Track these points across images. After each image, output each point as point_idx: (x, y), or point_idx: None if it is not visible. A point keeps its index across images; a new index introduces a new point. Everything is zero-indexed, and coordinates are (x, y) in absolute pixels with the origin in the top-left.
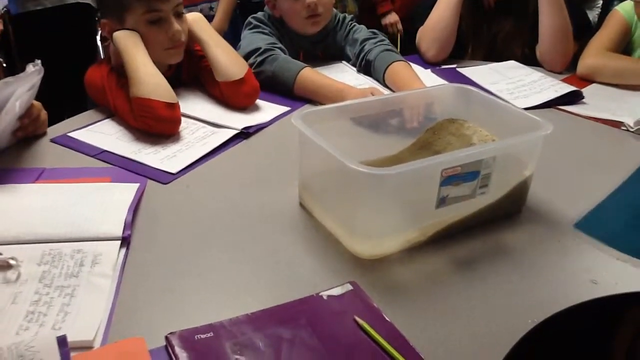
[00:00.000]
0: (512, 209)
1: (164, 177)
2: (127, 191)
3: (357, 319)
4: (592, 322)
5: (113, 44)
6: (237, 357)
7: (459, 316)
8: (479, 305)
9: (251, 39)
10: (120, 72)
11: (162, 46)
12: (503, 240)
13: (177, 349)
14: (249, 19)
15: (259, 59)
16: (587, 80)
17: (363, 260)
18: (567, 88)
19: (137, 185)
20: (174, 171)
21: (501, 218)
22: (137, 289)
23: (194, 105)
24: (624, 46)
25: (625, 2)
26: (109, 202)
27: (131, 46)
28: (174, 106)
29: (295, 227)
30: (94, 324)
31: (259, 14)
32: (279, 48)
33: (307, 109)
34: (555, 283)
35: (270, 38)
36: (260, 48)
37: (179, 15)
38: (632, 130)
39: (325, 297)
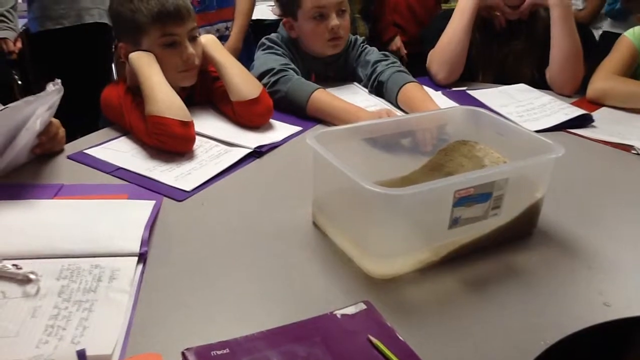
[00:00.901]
0: (523, 230)
1: (178, 195)
2: (143, 208)
3: (371, 337)
4: (605, 344)
5: (129, 65)
6: None
7: (471, 336)
8: (490, 326)
9: (265, 59)
10: (135, 91)
11: (177, 69)
12: (515, 261)
13: None
14: (263, 40)
15: (273, 79)
16: (596, 104)
17: (375, 279)
18: (577, 111)
19: (153, 202)
20: (188, 189)
21: (513, 240)
22: (153, 304)
23: (208, 124)
24: (632, 71)
25: (635, 27)
26: (126, 219)
27: (146, 66)
28: (188, 124)
29: (308, 246)
30: (112, 338)
31: (273, 35)
32: (292, 69)
33: (320, 129)
34: (567, 305)
35: (284, 59)
36: (273, 69)
37: (194, 39)
38: None
39: (339, 316)
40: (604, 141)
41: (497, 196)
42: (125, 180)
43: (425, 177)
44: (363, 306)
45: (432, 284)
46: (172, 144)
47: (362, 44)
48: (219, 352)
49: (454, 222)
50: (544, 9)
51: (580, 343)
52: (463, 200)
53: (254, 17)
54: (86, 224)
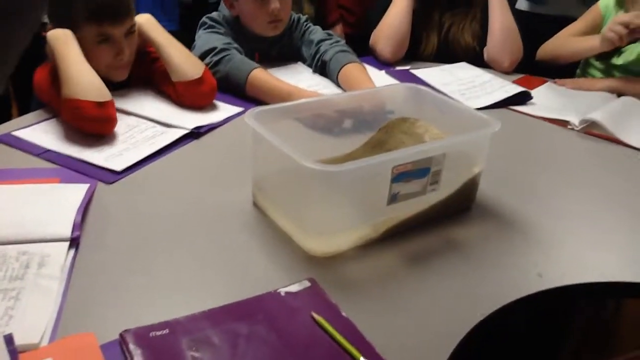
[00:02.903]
0: (462, 205)
1: (108, 176)
2: (76, 192)
3: (314, 314)
4: (539, 313)
5: (47, 44)
6: (193, 353)
7: (412, 310)
8: (430, 300)
9: (206, 38)
10: (56, 72)
11: (107, 66)
12: (453, 236)
13: (132, 346)
14: (204, 18)
15: (215, 58)
16: (537, 81)
17: (317, 257)
18: (517, 89)
19: (87, 185)
20: (118, 169)
21: (452, 215)
22: (87, 290)
23: (145, 105)
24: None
25: None
26: (57, 203)
27: (62, 45)
28: (105, 104)
29: (249, 226)
30: (39, 326)
31: (214, 14)
32: (235, 48)
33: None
34: (503, 277)
35: (226, 38)
36: (216, 47)
37: (131, 33)
38: (577, 129)
39: (283, 294)
40: (542, 117)
41: (435, 171)
42: (56, 164)
43: (366, 154)
44: (307, 283)
45: (373, 260)
46: (90, 127)
47: (305, 23)
48: (158, 333)
49: (393, 198)
50: None
51: (514, 313)
52: (401, 175)
53: None
54: (14, 210)
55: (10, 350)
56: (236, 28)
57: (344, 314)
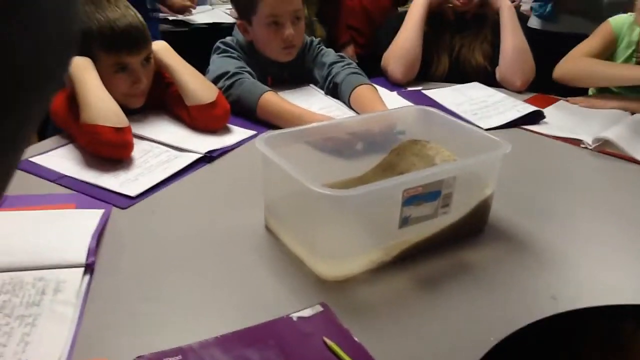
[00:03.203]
0: (474, 227)
1: (123, 202)
2: (91, 217)
3: (326, 339)
4: (553, 337)
5: None
6: None
7: (425, 335)
8: (442, 324)
9: (220, 63)
10: (73, 97)
11: (125, 93)
12: (466, 259)
13: None
14: (218, 43)
15: (228, 82)
16: (549, 100)
17: (329, 282)
18: (529, 108)
19: (102, 211)
20: (133, 194)
21: (464, 237)
22: (101, 316)
23: (159, 129)
24: (606, 57)
25: (620, 15)
26: (72, 229)
27: (80, 71)
28: (123, 130)
29: (261, 250)
30: (55, 352)
31: (228, 39)
32: (247, 72)
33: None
34: (516, 300)
35: (239, 62)
36: (229, 72)
37: (147, 61)
38: (590, 148)
39: (295, 319)
40: (555, 136)
41: (446, 194)
42: (72, 189)
43: (378, 177)
44: (320, 308)
45: (385, 284)
46: (108, 151)
47: (318, 46)
48: (171, 359)
49: (404, 222)
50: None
51: (529, 337)
52: (412, 199)
53: (210, 21)
54: (30, 236)
55: None
56: (249, 52)
57: (356, 338)
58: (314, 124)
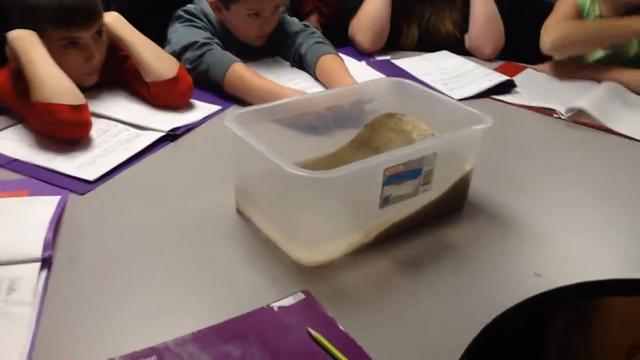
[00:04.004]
0: (454, 204)
1: (80, 187)
2: (46, 205)
3: (311, 330)
4: (539, 315)
5: (9, 45)
6: None
7: (411, 320)
8: (428, 309)
9: (184, 32)
10: (20, 74)
11: (76, 71)
12: (447, 237)
13: None
14: (179, 11)
15: (197, 53)
16: (517, 68)
17: (308, 267)
18: (500, 77)
19: (58, 197)
20: (91, 178)
21: (444, 215)
22: (62, 315)
23: (116, 107)
24: None
25: None
26: (26, 219)
27: (27, 46)
28: (80, 108)
29: (233, 236)
30: (12, 358)
31: (190, 7)
32: (216, 43)
33: (238, 108)
34: (500, 280)
35: (205, 32)
36: (197, 42)
37: (99, 34)
38: (564, 117)
39: (276, 309)
40: (528, 106)
41: (427, 171)
42: (24, 174)
43: (353, 153)
44: (301, 296)
45: (367, 268)
46: (65, 132)
47: (282, 15)
48: None
49: (385, 201)
50: None
51: (516, 317)
52: (393, 178)
53: None
54: None
55: None
56: (214, 23)
57: (341, 327)
58: (284, 101)
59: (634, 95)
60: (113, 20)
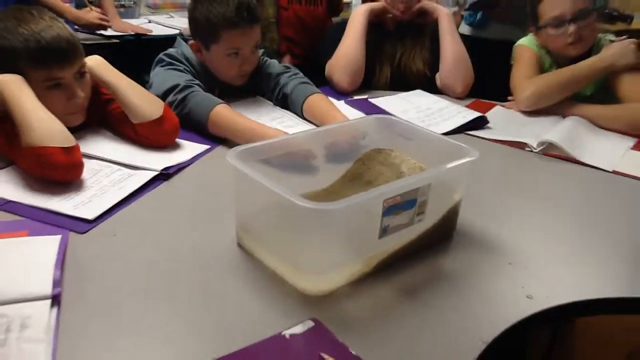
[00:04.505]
0: (445, 233)
1: (80, 226)
2: (49, 244)
3: (324, 355)
4: (535, 333)
5: None
6: None
7: (415, 344)
8: (429, 331)
9: (165, 76)
10: (6, 119)
11: (62, 111)
12: (441, 265)
13: None
14: (161, 55)
15: (179, 96)
16: (487, 105)
17: (311, 297)
18: (474, 114)
19: (59, 237)
20: (90, 217)
21: (436, 243)
22: (76, 351)
23: (105, 147)
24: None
25: (526, 37)
26: (31, 258)
27: (16, 90)
28: (71, 149)
29: (237, 269)
30: None
31: (171, 51)
32: (197, 84)
33: (225, 148)
34: (495, 302)
35: (187, 75)
36: (179, 85)
37: (82, 75)
38: (535, 150)
39: (287, 336)
40: (501, 140)
41: (421, 202)
42: (20, 215)
43: (346, 187)
44: (311, 323)
45: (368, 295)
46: (58, 174)
47: (262, 57)
48: None
49: (384, 232)
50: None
51: (515, 335)
52: (391, 208)
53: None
54: None
55: None
56: (195, 65)
57: (353, 352)
58: (280, 138)
59: (597, 129)
60: (96, 63)
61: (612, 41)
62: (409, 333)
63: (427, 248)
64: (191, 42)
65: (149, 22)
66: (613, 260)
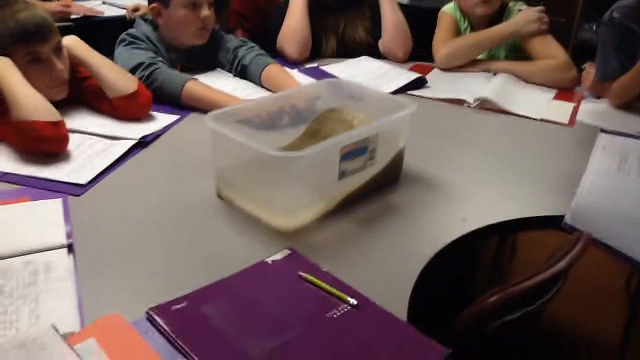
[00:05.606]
0: (393, 175)
1: (75, 190)
2: (53, 206)
3: (302, 273)
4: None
5: None
6: (214, 318)
7: (372, 259)
8: (382, 250)
9: (129, 55)
10: None
11: (46, 85)
12: (390, 200)
13: (160, 320)
14: (123, 35)
15: (145, 72)
16: (427, 68)
17: (286, 232)
18: (414, 75)
19: (60, 199)
20: (83, 182)
21: (386, 184)
22: (94, 285)
23: (84, 122)
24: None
25: (448, 4)
26: (41, 218)
27: (4, 70)
28: (58, 124)
29: (219, 215)
30: (71, 316)
31: (132, 31)
32: (160, 61)
33: (196, 116)
34: (436, 225)
35: (149, 52)
36: (143, 62)
37: (59, 50)
38: (472, 106)
39: (270, 262)
40: (439, 98)
41: (372, 149)
42: (19, 184)
43: (307, 142)
44: (288, 252)
45: (332, 229)
46: (46, 146)
47: (219, 33)
48: (178, 306)
49: (342, 175)
50: None
51: (452, 250)
52: (347, 155)
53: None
54: (2, 228)
55: (61, 336)
56: (156, 42)
57: (324, 269)
58: (245, 103)
59: (523, 83)
60: (73, 42)
61: (520, 10)
62: (366, 253)
63: (378, 188)
64: (152, 5)
65: (103, 3)
66: (537, 189)
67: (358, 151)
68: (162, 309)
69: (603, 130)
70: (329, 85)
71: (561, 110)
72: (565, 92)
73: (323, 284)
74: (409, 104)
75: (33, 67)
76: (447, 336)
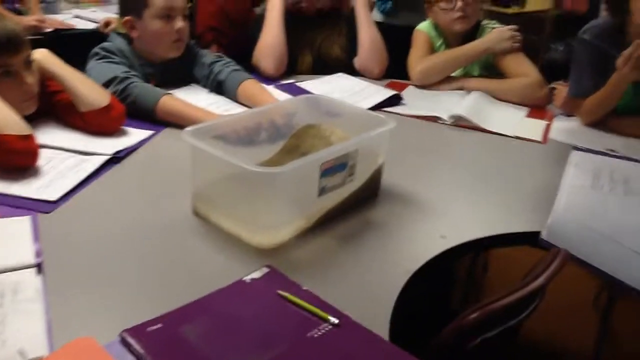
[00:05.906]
0: (372, 191)
1: (44, 207)
2: (21, 224)
3: (281, 292)
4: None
5: None
6: (192, 339)
7: (351, 277)
8: (362, 267)
9: (102, 69)
10: None
11: (15, 99)
12: (369, 217)
13: (134, 342)
14: (96, 49)
15: (120, 87)
16: (402, 85)
17: (265, 249)
18: (390, 92)
19: (28, 217)
20: (53, 199)
21: (365, 201)
22: (64, 307)
23: (55, 137)
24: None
25: (424, 23)
26: (9, 236)
27: None
28: (28, 137)
29: (196, 233)
30: (39, 340)
31: (106, 45)
32: (134, 75)
33: (170, 131)
34: (415, 243)
35: (122, 67)
36: (117, 77)
37: (29, 63)
38: (447, 123)
39: (248, 281)
40: (414, 115)
41: (351, 165)
42: None
43: (285, 159)
44: (266, 269)
45: (311, 246)
46: (16, 160)
47: (194, 47)
48: (154, 327)
49: (322, 191)
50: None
51: (433, 267)
52: (327, 171)
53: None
54: None
55: None
56: (131, 56)
57: (304, 287)
58: (223, 119)
59: (496, 101)
60: (43, 56)
61: (493, 28)
62: (346, 270)
63: (357, 204)
64: (124, 19)
65: (75, 17)
66: (512, 205)
67: (338, 167)
68: (137, 331)
69: (575, 148)
70: (307, 101)
71: (534, 128)
72: (537, 109)
73: (303, 303)
74: (388, 121)
75: (2, 80)
76: (428, 353)
